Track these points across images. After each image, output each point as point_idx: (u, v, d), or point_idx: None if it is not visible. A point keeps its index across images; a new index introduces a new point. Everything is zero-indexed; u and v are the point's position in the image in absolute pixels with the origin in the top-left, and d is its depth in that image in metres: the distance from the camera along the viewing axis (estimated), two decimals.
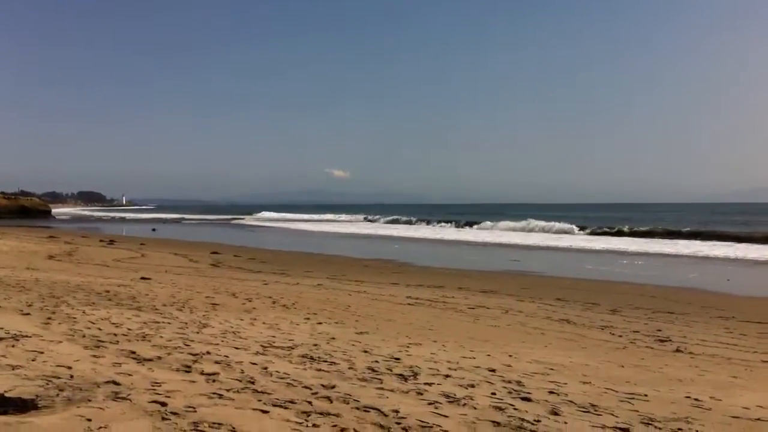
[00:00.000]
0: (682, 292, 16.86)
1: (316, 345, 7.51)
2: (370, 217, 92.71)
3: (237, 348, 6.89)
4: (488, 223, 65.77)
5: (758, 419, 5.21)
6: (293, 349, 7.15)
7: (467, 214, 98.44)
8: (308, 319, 10.01)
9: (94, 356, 5.87)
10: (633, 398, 5.77)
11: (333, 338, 8.18)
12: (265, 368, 5.96)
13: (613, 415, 5.07)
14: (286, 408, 4.60)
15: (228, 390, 4.96)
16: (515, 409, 5.02)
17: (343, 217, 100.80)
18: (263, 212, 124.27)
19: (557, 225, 55.60)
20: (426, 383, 5.81)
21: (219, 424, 4.08)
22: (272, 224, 75.34)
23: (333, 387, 5.38)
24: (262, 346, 7.19)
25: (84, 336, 6.86)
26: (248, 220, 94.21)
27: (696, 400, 5.84)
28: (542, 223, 57.28)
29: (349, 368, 6.27)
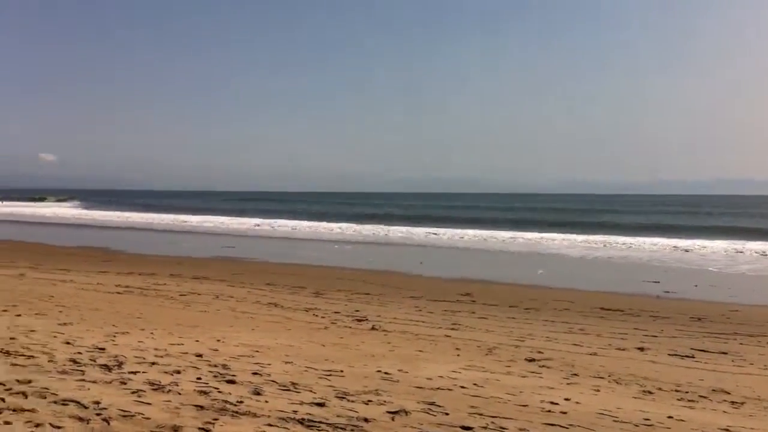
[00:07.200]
0: (379, 274, 18.33)
1: (13, 338, 7.09)
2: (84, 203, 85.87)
3: None
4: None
5: (438, 388, 5.99)
6: None
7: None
8: (6, 311, 9.33)
9: None
10: (330, 375, 6.27)
11: (32, 330, 7.74)
12: None
13: (311, 391, 5.48)
14: None
15: None
16: (219, 392, 5.20)
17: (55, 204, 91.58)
18: None
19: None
20: (131, 372, 5.80)
21: None
22: None
23: (29, 382, 5.20)
24: None
25: None
26: None
27: (386, 373, 6.53)
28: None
29: (49, 361, 6.06)
